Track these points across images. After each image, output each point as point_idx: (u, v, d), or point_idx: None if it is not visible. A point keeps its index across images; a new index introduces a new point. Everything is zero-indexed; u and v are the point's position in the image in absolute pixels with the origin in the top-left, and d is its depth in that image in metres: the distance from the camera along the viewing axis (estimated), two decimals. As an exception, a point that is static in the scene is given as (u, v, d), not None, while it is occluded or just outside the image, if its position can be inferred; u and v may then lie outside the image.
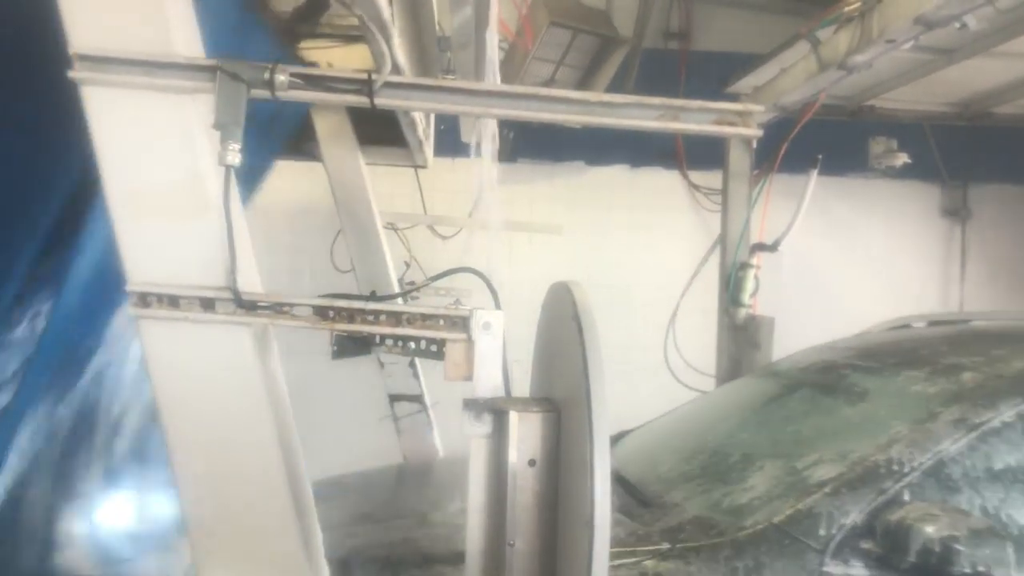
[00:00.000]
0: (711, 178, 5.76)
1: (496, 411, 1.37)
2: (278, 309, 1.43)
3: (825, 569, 2.00)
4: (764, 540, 2.07)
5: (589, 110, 1.47)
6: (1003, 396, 2.24)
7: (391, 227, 4.41)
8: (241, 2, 1.99)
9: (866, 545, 2.00)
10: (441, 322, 1.43)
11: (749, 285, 4.33)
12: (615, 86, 5.16)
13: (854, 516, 2.04)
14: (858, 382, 2.68)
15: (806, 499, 2.12)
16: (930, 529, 1.86)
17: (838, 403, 2.62)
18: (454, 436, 2.64)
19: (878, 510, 2.03)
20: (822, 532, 2.04)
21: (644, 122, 1.47)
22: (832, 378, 2.81)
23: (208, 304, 1.41)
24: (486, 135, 3.33)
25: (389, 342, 1.54)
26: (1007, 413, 2.19)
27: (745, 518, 2.16)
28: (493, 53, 2.68)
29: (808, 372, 2.98)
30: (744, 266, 4.33)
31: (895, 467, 2.11)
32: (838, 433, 2.44)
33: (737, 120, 1.48)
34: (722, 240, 4.65)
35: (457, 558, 1.86)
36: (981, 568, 1.80)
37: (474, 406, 1.38)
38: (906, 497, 2.06)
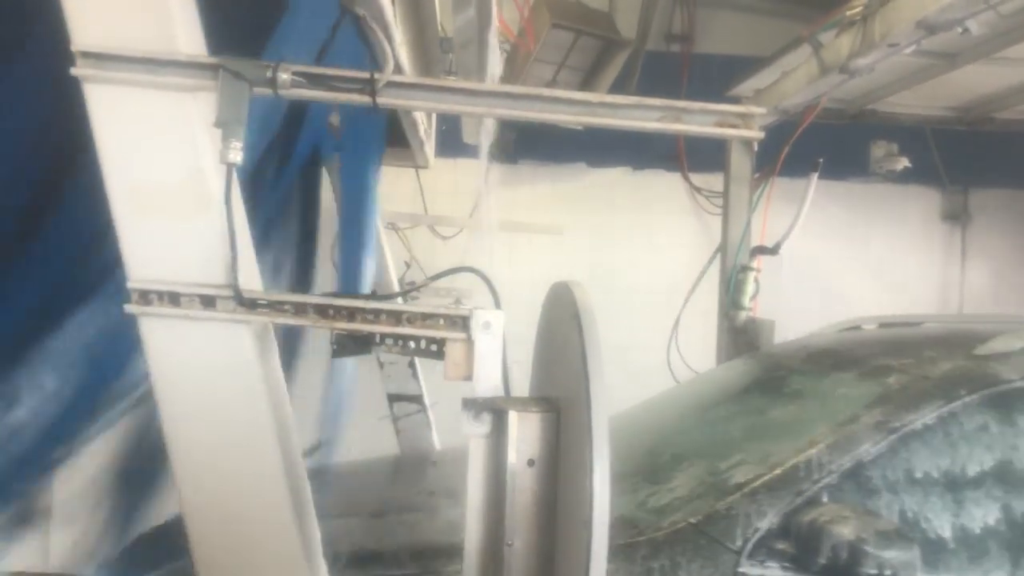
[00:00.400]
0: (712, 181, 5.76)
1: (495, 411, 1.37)
2: (279, 307, 1.43)
3: (740, 570, 2.00)
4: (681, 540, 2.06)
5: (591, 111, 1.47)
6: (926, 398, 2.22)
7: (392, 227, 4.41)
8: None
9: (782, 546, 2.00)
10: (441, 321, 1.43)
11: (749, 288, 4.33)
12: (617, 88, 5.16)
13: (771, 517, 2.04)
14: (792, 384, 2.68)
15: (725, 499, 2.12)
16: (839, 530, 1.86)
17: (769, 404, 2.62)
18: (454, 436, 2.64)
19: (794, 511, 2.03)
20: (739, 533, 2.04)
21: (646, 123, 1.47)
22: (769, 380, 2.81)
23: (209, 302, 1.41)
24: (484, 135, 3.34)
25: (389, 341, 1.54)
26: (929, 416, 2.17)
27: (665, 518, 2.15)
28: (494, 54, 2.69)
29: (750, 373, 2.98)
30: (745, 269, 4.34)
31: (814, 469, 2.10)
32: (764, 434, 2.43)
33: (739, 122, 1.48)
34: (723, 243, 4.66)
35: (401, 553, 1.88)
36: (888, 571, 1.80)
37: (473, 406, 1.38)
38: (824, 499, 2.06)
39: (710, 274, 4.71)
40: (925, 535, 2.05)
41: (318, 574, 1.56)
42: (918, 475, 2.11)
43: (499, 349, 1.41)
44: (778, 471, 2.13)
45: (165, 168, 1.40)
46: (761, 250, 4.36)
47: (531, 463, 1.33)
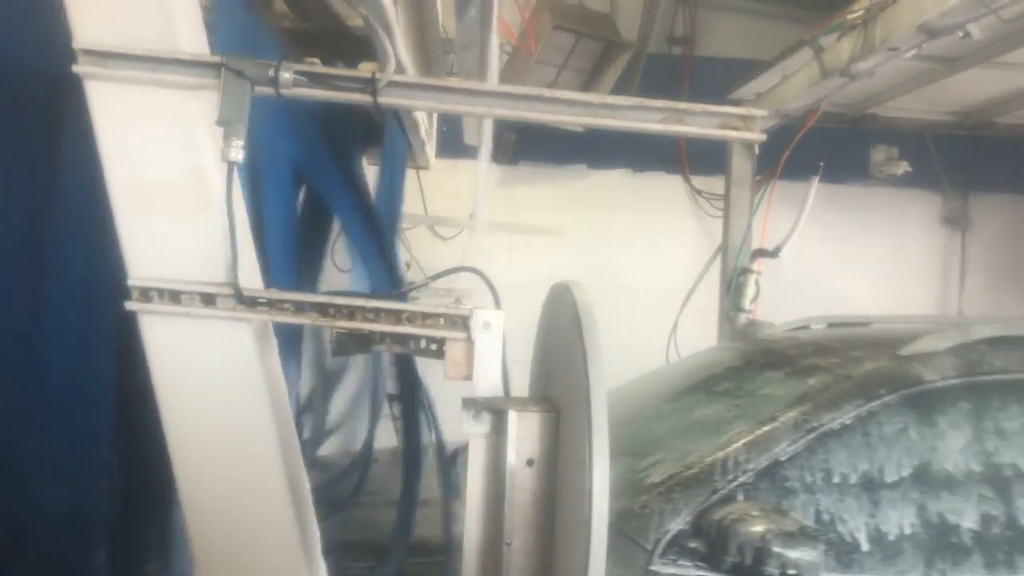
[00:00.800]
0: (713, 183, 5.76)
1: (495, 410, 1.37)
2: (278, 306, 1.44)
3: (652, 568, 1.98)
4: None
5: (592, 112, 1.48)
6: (846, 398, 2.20)
7: (392, 227, 4.40)
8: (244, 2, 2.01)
9: (694, 545, 2.00)
10: (441, 321, 1.43)
11: (750, 291, 4.34)
12: (618, 91, 5.15)
13: (685, 516, 2.03)
14: (722, 383, 2.67)
15: (640, 497, 2.11)
16: (745, 529, 1.85)
17: (696, 403, 2.61)
18: (454, 436, 2.65)
19: (707, 510, 2.01)
20: (652, 531, 2.03)
21: (647, 125, 1.48)
22: (702, 379, 2.80)
23: (209, 300, 1.41)
24: (485, 136, 3.34)
25: (389, 340, 1.54)
26: (847, 415, 2.16)
27: None
28: (494, 56, 2.69)
29: (688, 372, 2.97)
30: (745, 272, 4.34)
31: (730, 468, 2.09)
32: (687, 433, 2.42)
33: (740, 124, 1.48)
34: (723, 245, 4.66)
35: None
36: (791, 570, 1.79)
37: (473, 405, 1.38)
38: (739, 498, 2.05)
39: (709, 276, 4.71)
40: (840, 535, 2.04)
41: (316, 570, 1.56)
42: (835, 475, 2.10)
43: (499, 349, 1.41)
44: (694, 469, 2.12)
45: (166, 166, 1.40)
46: (762, 253, 4.36)
47: (530, 463, 1.33)
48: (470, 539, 1.39)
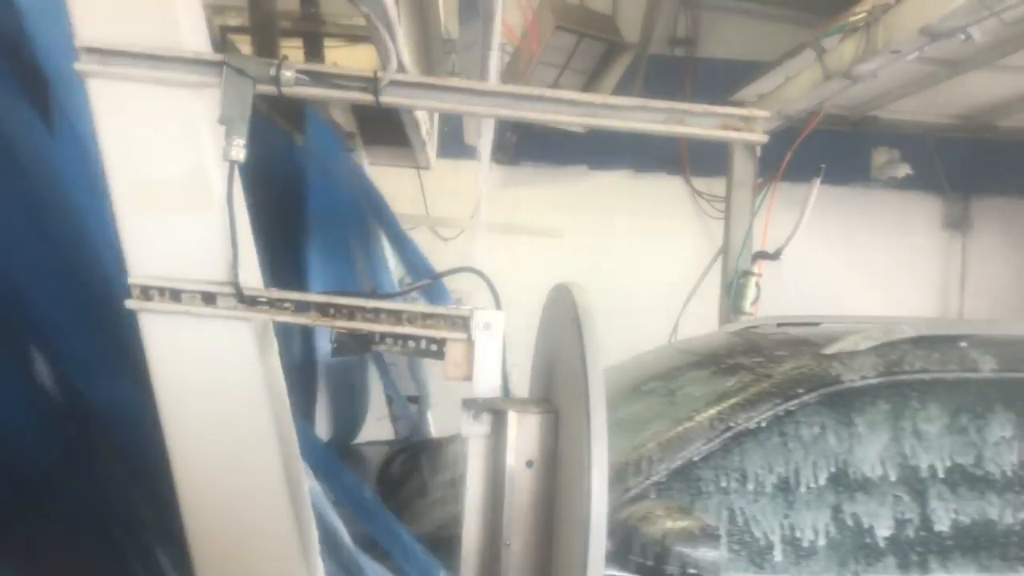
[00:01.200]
0: (714, 185, 5.77)
1: (495, 411, 1.37)
2: (279, 305, 1.43)
3: None
4: None
5: (594, 112, 1.47)
6: (764, 398, 2.17)
7: (392, 227, 4.40)
8: None
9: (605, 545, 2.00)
10: (441, 321, 1.43)
11: (750, 292, 4.34)
12: (620, 92, 5.15)
13: None
14: (650, 383, 2.64)
15: None
16: (648, 529, 1.84)
17: (622, 402, 2.58)
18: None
19: (618, 509, 1.98)
20: None
21: (649, 125, 1.47)
22: (633, 379, 2.78)
23: (209, 298, 1.41)
24: (486, 136, 3.34)
25: (389, 340, 1.54)
26: (765, 415, 2.13)
27: None
28: (495, 56, 2.69)
29: (625, 372, 2.95)
30: (746, 274, 4.35)
31: (643, 467, 2.08)
32: (609, 432, 2.40)
33: (742, 125, 1.48)
34: (724, 247, 4.67)
35: None
36: (691, 569, 1.78)
37: (473, 406, 1.38)
38: (652, 497, 2.03)
39: (710, 278, 4.72)
40: (755, 536, 2.03)
41: (314, 568, 1.56)
42: (750, 475, 2.08)
43: (499, 350, 1.41)
44: (610, 469, 2.11)
45: (167, 164, 1.40)
46: (763, 255, 4.37)
47: (530, 464, 1.33)
48: (469, 540, 1.39)
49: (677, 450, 2.09)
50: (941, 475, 2.11)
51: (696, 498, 2.05)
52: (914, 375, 2.21)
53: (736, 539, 2.02)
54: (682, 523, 1.83)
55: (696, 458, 2.08)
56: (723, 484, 2.07)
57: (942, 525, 2.08)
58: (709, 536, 1.79)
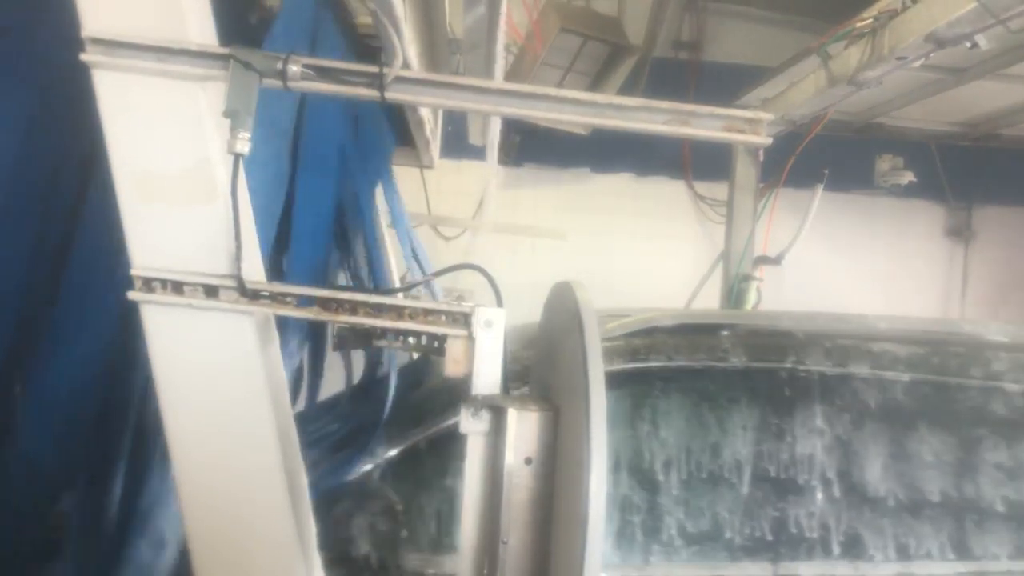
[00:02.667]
0: (716, 189, 5.77)
1: (494, 408, 1.37)
2: (281, 299, 1.44)
3: None
4: None
5: (598, 112, 1.47)
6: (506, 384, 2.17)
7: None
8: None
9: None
10: (443, 317, 1.43)
11: (751, 297, 4.34)
12: (623, 94, 5.12)
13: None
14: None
15: None
16: (338, 511, 1.88)
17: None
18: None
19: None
20: None
21: (653, 126, 1.47)
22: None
23: (212, 291, 1.41)
24: (493, 135, 3.34)
25: (390, 336, 1.54)
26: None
27: None
28: (501, 56, 2.69)
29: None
30: (747, 278, 4.35)
31: (367, 456, 2.07)
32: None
33: (746, 127, 1.47)
34: (726, 251, 4.67)
35: None
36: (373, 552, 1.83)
37: (472, 403, 1.38)
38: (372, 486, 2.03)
39: (711, 282, 4.71)
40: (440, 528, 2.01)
41: (312, 563, 1.56)
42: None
43: (500, 347, 1.41)
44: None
45: (172, 157, 1.40)
46: (764, 260, 4.37)
47: (528, 461, 1.33)
48: (466, 537, 1.39)
49: (403, 440, 2.08)
50: (677, 465, 2.10)
51: (415, 488, 2.03)
52: (660, 363, 2.18)
53: (405, 521, 2.01)
54: (368, 507, 1.88)
55: (422, 447, 2.07)
56: (440, 474, 2.05)
57: (673, 516, 2.07)
58: (390, 518, 1.84)
